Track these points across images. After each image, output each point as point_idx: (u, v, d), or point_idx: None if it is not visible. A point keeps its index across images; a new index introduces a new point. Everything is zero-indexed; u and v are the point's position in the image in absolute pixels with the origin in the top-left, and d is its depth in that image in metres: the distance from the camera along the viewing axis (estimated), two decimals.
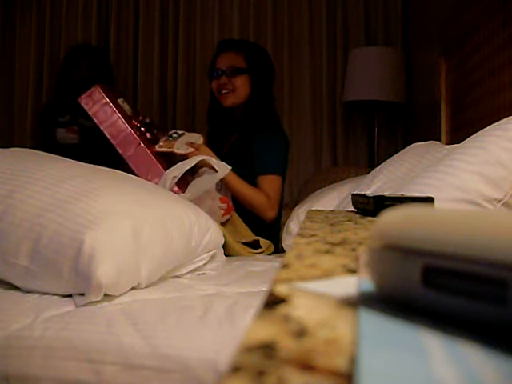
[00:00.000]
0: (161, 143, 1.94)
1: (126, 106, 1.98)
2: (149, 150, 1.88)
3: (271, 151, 2.00)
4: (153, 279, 1.15)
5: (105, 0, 3.17)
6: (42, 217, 1.08)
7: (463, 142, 1.06)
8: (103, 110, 1.88)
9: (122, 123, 1.87)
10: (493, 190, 0.94)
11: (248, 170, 1.99)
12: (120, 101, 1.97)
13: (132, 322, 0.95)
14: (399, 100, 2.63)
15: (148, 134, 1.95)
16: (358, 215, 0.83)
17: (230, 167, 1.80)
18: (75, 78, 2.70)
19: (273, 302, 0.25)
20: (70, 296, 1.06)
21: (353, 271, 0.33)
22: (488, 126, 1.05)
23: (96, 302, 1.01)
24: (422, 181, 1.02)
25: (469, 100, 1.74)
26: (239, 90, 2.03)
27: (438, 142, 1.50)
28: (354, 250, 0.43)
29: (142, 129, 1.94)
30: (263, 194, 1.96)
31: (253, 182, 1.99)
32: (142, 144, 1.86)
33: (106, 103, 1.88)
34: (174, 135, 1.99)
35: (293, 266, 0.34)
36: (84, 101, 1.91)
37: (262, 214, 1.95)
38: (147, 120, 2.01)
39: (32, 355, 0.92)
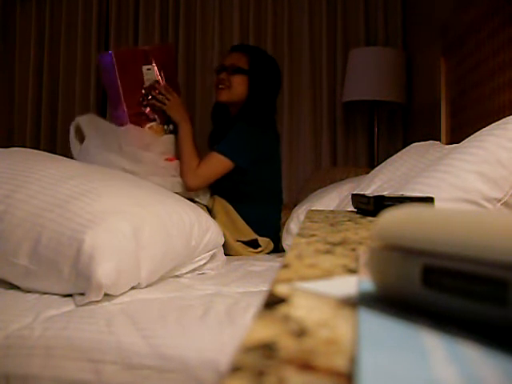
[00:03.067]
0: (153, 126, 2.03)
1: (150, 75, 2.03)
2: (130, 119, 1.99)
3: (235, 136, 1.97)
4: (153, 279, 1.15)
5: (105, 0, 3.17)
6: (42, 217, 1.08)
7: (463, 142, 1.06)
8: (111, 74, 1.99)
9: (119, 96, 1.98)
10: (493, 190, 0.94)
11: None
12: (145, 68, 2.02)
13: (132, 321, 0.95)
14: (399, 100, 2.63)
15: (148, 110, 2.02)
16: (358, 215, 0.83)
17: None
18: None
19: (273, 301, 0.25)
20: (70, 296, 1.06)
21: (353, 271, 0.33)
22: (488, 125, 1.05)
23: (96, 301, 1.02)
24: (422, 180, 1.02)
25: (469, 100, 1.74)
26: (234, 88, 2.05)
27: (437, 142, 1.50)
28: (353, 250, 0.43)
29: (144, 102, 2.02)
30: (196, 162, 1.96)
31: (241, 176, 1.99)
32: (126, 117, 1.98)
33: (114, 71, 1.97)
34: (170, 126, 2.06)
35: (293, 266, 0.34)
36: (100, 59, 2.06)
37: (183, 176, 1.95)
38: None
39: (32, 355, 0.92)
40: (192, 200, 1.84)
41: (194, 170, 1.94)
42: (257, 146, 2.00)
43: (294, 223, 1.74)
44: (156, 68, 2.03)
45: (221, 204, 1.98)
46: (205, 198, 2.01)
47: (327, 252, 0.41)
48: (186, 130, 2.00)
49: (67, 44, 3.16)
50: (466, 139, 1.06)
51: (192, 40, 3.08)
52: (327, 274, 0.32)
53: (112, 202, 1.13)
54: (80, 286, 1.02)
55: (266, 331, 0.21)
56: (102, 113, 3.03)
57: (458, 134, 1.85)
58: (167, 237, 1.18)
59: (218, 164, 1.95)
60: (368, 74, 2.58)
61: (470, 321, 0.21)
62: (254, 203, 2.02)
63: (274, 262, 1.66)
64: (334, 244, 0.46)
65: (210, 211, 1.96)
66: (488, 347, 0.19)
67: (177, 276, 1.30)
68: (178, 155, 2.00)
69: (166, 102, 2.01)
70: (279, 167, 2.14)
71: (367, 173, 2.09)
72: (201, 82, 3.02)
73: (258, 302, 1.04)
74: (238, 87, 2.05)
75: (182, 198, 1.44)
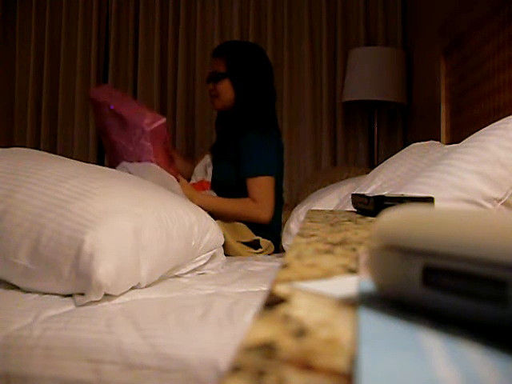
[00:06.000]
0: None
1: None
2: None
3: (259, 151, 1.95)
4: (153, 279, 1.15)
5: (105, 0, 3.17)
6: (42, 216, 1.08)
7: (463, 142, 1.06)
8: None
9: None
10: (493, 190, 0.94)
11: (237, 169, 1.98)
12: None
13: (132, 321, 0.95)
14: (399, 100, 2.63)
15: None
16: (358, 215, 0.83)
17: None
18: None
19: (273, 301, 0.25)
20: (70, 296, 1.06)
21: (353, 271, 0.33)
22: (488, 125, 1.05)
23: (96, 301, 1.02)
24: (422, 180, 1.02)
25: (469, 100, 1.74)
26: (221, 95, 2.04)
27: (437, 142, 1.50)
28: (354, 249, 0.43)
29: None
30: (248, 200, 1.93)
31: (242, 180, 1.98)
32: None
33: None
34: None
35: (293, 266, 0.34)
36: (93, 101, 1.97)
37: (255, 219, 1.92)
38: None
39: (32, 355, 0.92)
40: None
41: (257, 207, 1.91)
42: (275, 150, 2.01)
43: (294, 223, 1.74)
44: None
45: None
46: None
47: (327, 252, 0.41)
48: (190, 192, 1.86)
49: (67, 44, 3.16)
50: (466, 139, 1.06)
51: (192, 40, 3.08)
52: (327, 274, 0.32)
53: (112, 202, 1.13)
54: (80, 286, 1.02)
55: (266, 331, 0.21)
56: None
57: (458, 134, 1.85)
58: (167, 237, 1.18)
59: (268, 185, 1.94)
60: (368, 74, 2.58)
61: (470, 321, 0.21)
62: None
63: (274, 262, 1.66)
64: (334, 244, 0.46)
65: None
66: (488, 347, 0.19)
67: (177, 276, 1.30)
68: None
69: None
70: (281, 168, 2.14)
71: (367, 173, 2.09)
72: (200, 83, 3.02)
73: (257, 302, 1.04)
74: (224, 94, 2.03)
75: (183, 199, 1.44)
